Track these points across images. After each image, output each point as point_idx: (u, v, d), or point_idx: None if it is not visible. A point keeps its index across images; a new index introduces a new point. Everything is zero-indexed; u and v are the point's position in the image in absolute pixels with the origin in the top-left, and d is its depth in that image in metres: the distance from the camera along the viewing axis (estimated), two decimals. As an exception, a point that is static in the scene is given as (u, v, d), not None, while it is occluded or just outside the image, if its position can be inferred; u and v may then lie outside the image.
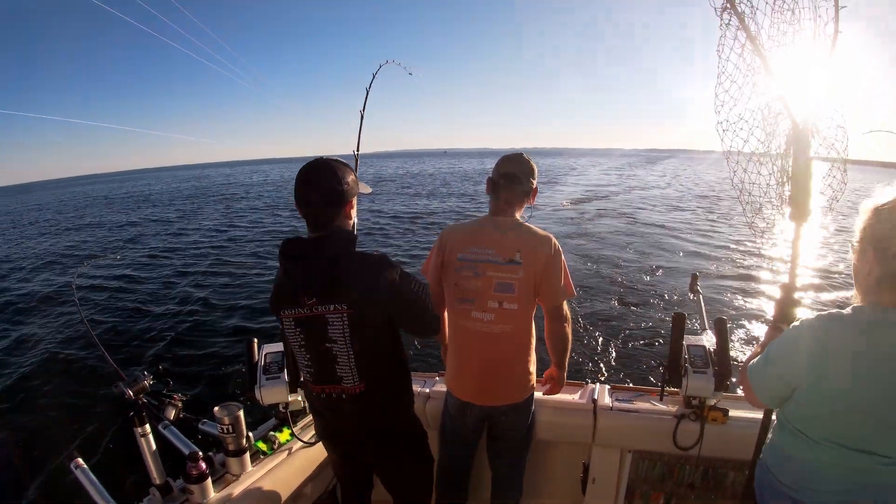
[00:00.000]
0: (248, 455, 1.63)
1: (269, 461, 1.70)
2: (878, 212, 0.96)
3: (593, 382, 2.07)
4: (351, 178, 1.35)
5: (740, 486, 1.73)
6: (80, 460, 1.42)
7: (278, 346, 1.80)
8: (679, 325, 1.76)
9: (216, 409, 1.59)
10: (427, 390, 2.03)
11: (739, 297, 7.21)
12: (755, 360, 1.14)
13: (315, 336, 1.32)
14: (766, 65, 1.24)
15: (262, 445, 1.74)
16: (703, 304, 1.97)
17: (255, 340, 1.82)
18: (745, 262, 9.36)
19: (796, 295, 1.31)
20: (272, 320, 5.85)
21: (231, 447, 1.59)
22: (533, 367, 1.69)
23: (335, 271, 1.26)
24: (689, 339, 1.78)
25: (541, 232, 1.63)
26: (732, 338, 5.24)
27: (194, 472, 1.43)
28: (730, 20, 1.21)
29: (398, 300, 1.33)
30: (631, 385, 2.13)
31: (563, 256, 1.63)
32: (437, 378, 2.15)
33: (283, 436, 1.81)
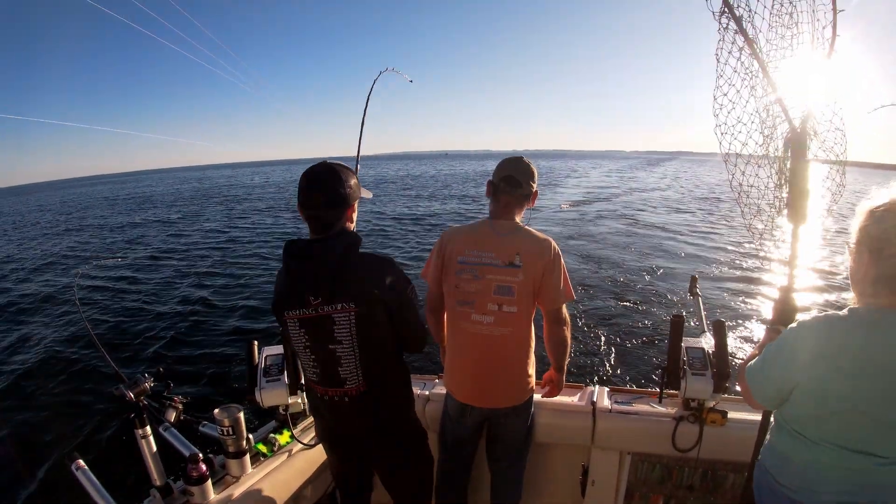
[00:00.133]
0: (248, 457, 1.63)
1: (269, 463, 1.71)
2: (873, 213, 0.96)
3: (592, 385, 2.08)
4: (353, 181, 1.37)
5: (739, 488, 1.73)
6: (81, 461, 1.42)
7: (278, 349, 1.80)
8: (678, 328, 1.76)
9: (216, 411, 1.59)
10: (426, 392, 2.03)
11: (738, 299, 7.21)
12: (753, 361, 1.15)
13: (320, 337, 1.33)
14: (763, 68, 1.25)
15: (262, 447, 1.74)
16: (702, 305, 1.98)
17: (256, 343, 1.83)
18: (745, 264, 9.36)
19: (794, 296, 1.32)
20: (272, 322, 5.86)
21: (231, 449, 1.59)
22: (532, 370, 1.69)
23: (342, 271, 1.27)
24: (687, 342, 1.79)
25: (540, 235, 1.64)
26: (731, 340, 5.23)
27: (194, 474, 1.43)
28: (728, 24, 1.21)
29: (400, 301, 1.35)
30: (630, 387, 2.13)
31: (562, 260, 1.64)
32: (437, 380, 2.16)
33: (284, 438, 1.81)
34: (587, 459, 1.94)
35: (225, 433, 1.57)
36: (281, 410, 1.81)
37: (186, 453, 1.48)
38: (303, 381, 1.73)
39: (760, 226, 1.44)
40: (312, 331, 1.33)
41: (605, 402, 1.92)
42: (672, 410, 1.83)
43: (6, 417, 4.47)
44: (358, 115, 2.32)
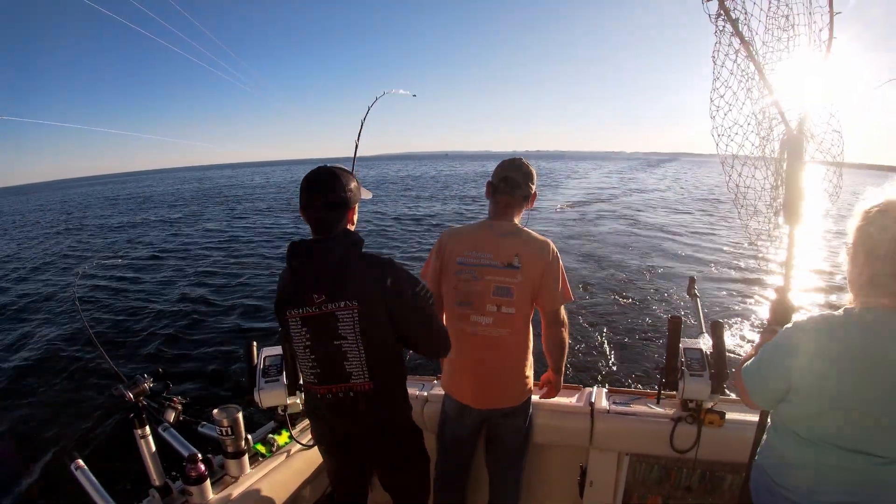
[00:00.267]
0: (246, 457, 1.64)
1: (267, 463, 1.71)
2: (868, 214, 0.97)
3: (590, 386, 2.08)
4: (353, 184, 1.40)
5: (738, 489, 1.74)
6: (81, 461, 1.43)
7: (277, 350, 1.81)
8: (676, 329, 1.77)
9: (215, 411, 1.60)
10: (425, 393, 2.03)
11: (736, 300, 7.22)
12: (749, 361, 1.15)
13: (323, 334, 1.34)
14: (760, 71, 1.26)
15: (260, 448, 1.75)
16: (700, 307, 1.98)
17: (255, 343, 1.83)
18: (743, 265, 9.36)
19: (791, 297, 1.32)
20: (272, 322, 5.88)
21: (230, 449, 1.60)
22: (530, 371, 1.70)
23: (345, 269, 1.30)
24: (685, 343, 1.79)
25: (539, 237, 1.65)
26: (729, 341, 5.24)
27: (193, 474, 1.44)
28: (724, 27, 1.22)
29: (401, 302, 1.35)
30: (629, 388, 2.13)
31: (560, 261, 1.64)
32: (436, 381, 2.16)
33: (282, 438, 1.81)
34: (585, 460, 1.94)
35: (224, 433, 1.58)
36: (280, 411, 1.81)
37: (185, 453, 1.48)
38: (301, 382, 1.73)
39: (757, 227, 1.45)
40: (315, 329, 1.34)
41: (604, 403, 1.92)
42: (670, 411, 1.83)
43: (5, 416, 4.48)
44: (358, 115, 2.34)
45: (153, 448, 1.46)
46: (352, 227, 1.42)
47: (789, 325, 1.07)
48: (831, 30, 1.23)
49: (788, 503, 1.06)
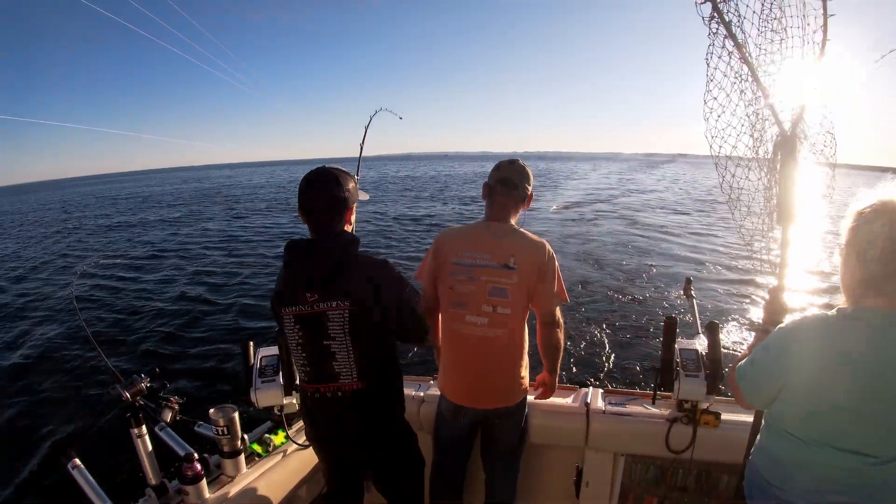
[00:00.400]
0: (242, 457, 1.64)
1: (263, 463, 1.71)
2: (861, 215, 0.98)
3: (586, 386, 2.08)
4: (351, 185, 1.42)
5: (734, 489, 1.74)
6: (78, 460, 1.44)
7: (273, 350, 1.82)
8: (671, 329, 1.77)
9: (212, 411, 1.60)
10: (421, 394, 2.03)
11: (732, 301, 7.21)
12: (742, 361, 1.16)
13: (314, 333, 1.35)
14: (753, 72, 1.26)
15: (257, 447, 1.75)
16: (696, 307, 1.99)
17: (251, 343, 1.84)
18: (738, 266, 9.35)
19: (784, 297, 1.33)
20: (269, 323, 5.87)
21: (226, 449, 1.60)
22: (526, 372, 1.70)
23: (339, 268, 1.32)
24: (681, 343, 1.79)
25: (535, 238, 1.65)
26: (724, 341, 5.24)
27: (190, 474, 1.44)
28: (717, 29, 1.23)
29: (395, 302, 1.37)
30: (624, 389, 2.14)
31: (556, 263, 1.65)
32: (431, 381, 2.16)
33: (279, 438, 1.82)
34: (581, 461, 1.94)
35: (220, 433, 1.58)
36: (276, 411, 1.82)
37: (182, 453, 1.49)
38: (297, 382, 1.74)
39: (752, 228, 1.45)
40: (307, 327, 1.36)
41: (599, 404, 1.92)
42: (666, 412, 1.83)
43: (1, 416, 4.47)
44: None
45: (150, 447, 1.47)
46: (349, 228, 1.44)
47: (782, 325, 1.08)
48: (825, 32, 1.23)
49: (781, 502, 1.07)
